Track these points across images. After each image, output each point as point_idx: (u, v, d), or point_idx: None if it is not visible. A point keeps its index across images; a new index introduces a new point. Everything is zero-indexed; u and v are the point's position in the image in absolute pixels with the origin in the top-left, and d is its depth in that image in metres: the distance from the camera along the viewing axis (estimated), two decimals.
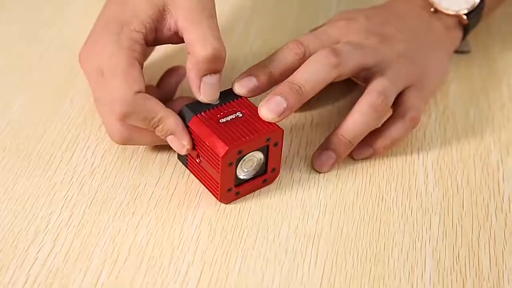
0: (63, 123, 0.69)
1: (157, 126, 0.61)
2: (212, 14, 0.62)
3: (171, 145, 0.63)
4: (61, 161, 0.66)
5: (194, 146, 0.62)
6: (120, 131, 0.63)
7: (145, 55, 0.65)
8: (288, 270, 0.58)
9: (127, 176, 0.65)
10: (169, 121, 0.61)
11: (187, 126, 0.62)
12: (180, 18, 0.62)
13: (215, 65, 0.61)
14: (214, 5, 0.63)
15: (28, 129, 0.69)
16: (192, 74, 0.61)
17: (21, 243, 0.59)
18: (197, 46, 0.61)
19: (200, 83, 0.62)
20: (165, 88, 0.71)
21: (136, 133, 0.63)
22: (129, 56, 0.61)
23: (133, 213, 0.62)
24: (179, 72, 0.71)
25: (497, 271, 0.59)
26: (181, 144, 0.62)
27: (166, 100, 0.68)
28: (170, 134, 0.62)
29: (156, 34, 0.63)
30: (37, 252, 0.58)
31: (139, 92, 0.60)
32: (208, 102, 0.62)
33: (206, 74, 0.61)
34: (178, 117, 0.62)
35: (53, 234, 0.60)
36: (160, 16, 0.63)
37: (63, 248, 0.59)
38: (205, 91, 0.62)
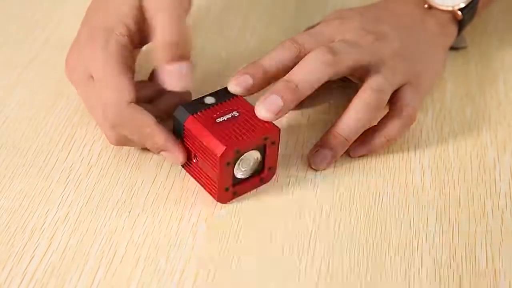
0: (60, 121, 0.69)
1: (147, 141, 0.61)
2: (180, 2, 0.61)
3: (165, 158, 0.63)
4: (57, 159, 0.66)
5: (190, 146, 0.62)
6: (113, 135, 0.63)
7: (134, 58, 0.65)
8: (285, 269, 0.58)
9: (124, 174, 0.65)
10: (158, 138, 0.61)
11: (183, 126, 0.61)
12: (147, 6, 0.62)
13: (174, 52, 0.60)
14: None
15: (24, 127, 0.69)
16: (156, 62, 0.61)
17: (17, 242, 0.59)
18: (156, 33, 0.60)
19: (164, 71, 0.61)
20: (158, 82, 0.70)
21: (129, 139, 0.63)
22: (119, 64, 0.61)
23: (130, 211, 0.62)
24: None
25: (493, 268, 0.59)
26: (174, 157, 0.62)
27: (160, 93, 0.67)
28: (162, 150, 0.62)
29: (141, 34, 0.63)
30: (34, 251, 0.58)
31: (130, 102, 0.60)
32: (173, 90, 0.62)
33: (168, 62, 0.61)
34: (168, 132, 0.62)
35: (50, 233, 0.59)
36: (140, 14, 0.63)
37: (59, 246, 0.59)
38: (167, 79, 0.61)
